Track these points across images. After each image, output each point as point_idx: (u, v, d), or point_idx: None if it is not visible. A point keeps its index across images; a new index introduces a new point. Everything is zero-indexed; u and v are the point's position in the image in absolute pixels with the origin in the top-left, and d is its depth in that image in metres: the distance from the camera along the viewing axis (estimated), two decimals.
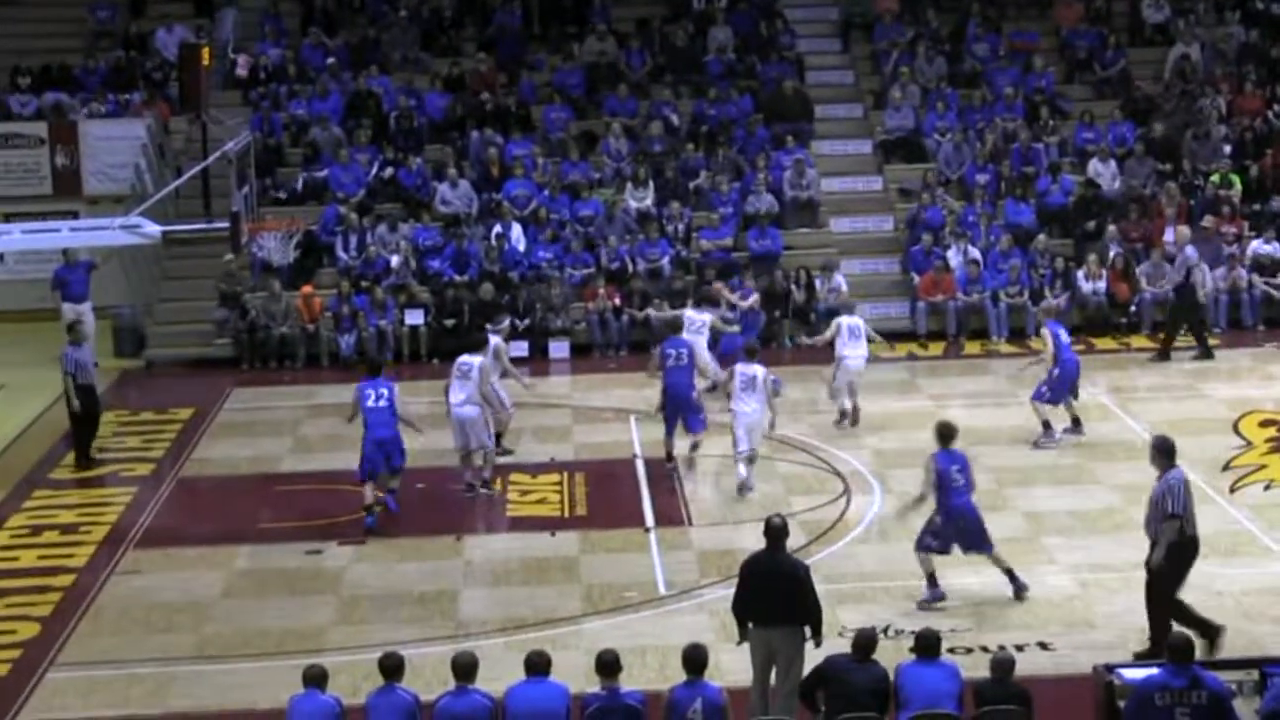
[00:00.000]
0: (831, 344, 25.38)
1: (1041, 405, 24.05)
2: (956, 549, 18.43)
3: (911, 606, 18.14)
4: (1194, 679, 12.84)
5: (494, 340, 23.99)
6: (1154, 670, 13.29)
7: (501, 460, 23.53)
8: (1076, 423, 24.34)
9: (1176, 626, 14.20)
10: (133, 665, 17.56)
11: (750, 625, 15.16)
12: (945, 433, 18.67)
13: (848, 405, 25.41)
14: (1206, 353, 29.01)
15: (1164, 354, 28.99)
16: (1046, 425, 23.98)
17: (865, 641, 14.07)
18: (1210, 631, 16.33)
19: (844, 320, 25.54)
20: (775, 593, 15.03)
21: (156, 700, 16.75)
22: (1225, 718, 12.87)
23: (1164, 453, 16.82)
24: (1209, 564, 19.26)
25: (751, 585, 15.18)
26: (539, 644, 17.07)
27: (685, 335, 24.87)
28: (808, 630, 15.08)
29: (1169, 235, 31.92)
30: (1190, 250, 29.49)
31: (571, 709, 13.47)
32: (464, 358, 22.69)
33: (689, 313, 26.54)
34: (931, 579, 18.35)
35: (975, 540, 18.38)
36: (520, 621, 18.12)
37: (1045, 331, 24.39)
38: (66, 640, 18.28)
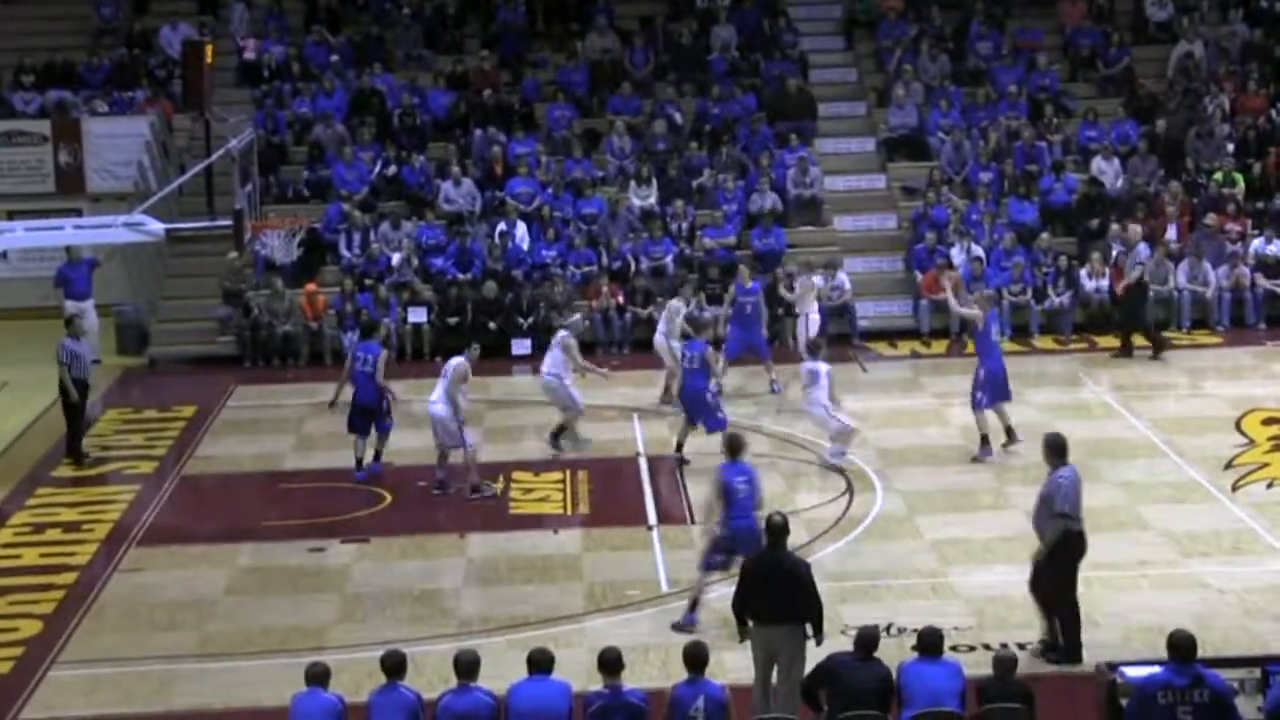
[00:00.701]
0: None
1: (983, 413, 23.09)
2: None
3: (915, 604, 18.11)
4: (1196, 677, 12.85)
5: (562, 335, 24.36)
6: (1156, 669, 13.28)
7: (508, 458, 23.63)
8: (1010, 433, 23.14)
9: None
10: (135, 663, 17.57)
11: (751, 623, 15.16)
12: (734, 445, 17.91)
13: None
14: (1126, 352, 29.09)
15: (1158, 351, 28.94)
16: (985, 439, 23.03)
17: (867, 639, 14.06)
18: (1075, 654, 16.51)
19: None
20: (776, 591, 15.03)
21: (159, 698, 16.76)
22: (1227, 716, 12.86)
23: (1054, 450, 16.76)
24: (1211, 562, 19.37)
25: (752, 583, 15.17)
26: (541, 642, 17.06)
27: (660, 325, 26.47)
28: (808, 628, 15.09)
29: (1171, 233, 31.95)
30: (1142, 249, 29.49)
31: (574, 707, 13.47)
32: (454, 358, 22.81)
33: (672, 302, 27.05)
34: (694, 605, 17.65)
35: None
36: (523, 620, 18.11)
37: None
38: (69, 638, 18.28)
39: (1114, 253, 31.21)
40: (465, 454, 22.45)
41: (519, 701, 13.40)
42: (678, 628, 17.44)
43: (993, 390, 23.13)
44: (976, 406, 23.21)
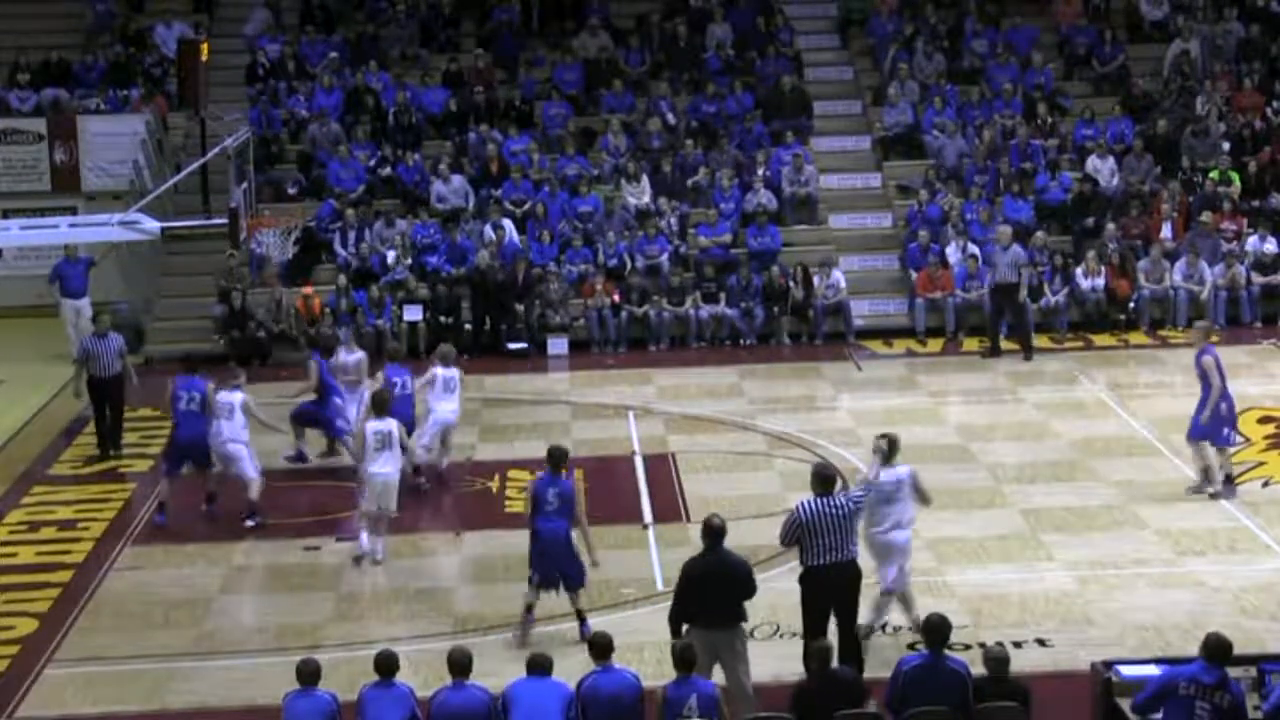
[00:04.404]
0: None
1: (1213, 447, 21.45)
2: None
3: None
4: (1223, 680, 12.82)
5: (241, 397, 22.18)
6: (1152, 668, 13.30)
7: (504, 456, 23.65)
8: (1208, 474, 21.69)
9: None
10: (131, 661, 17.60)
11: (690, 628, 14.99)
12: (555, 456, 17.87)
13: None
14: (994, 351, 29.30)
15: (994, 351, 29.28)
16: (1206, 471, 21.54)
17: (823, 655, 13.96)
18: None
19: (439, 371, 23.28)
20: (720, 592, 15.05)
21: (154, 696, 16.77)
22: None
23: (814, 479, 16.18)
24: (1207, 560, 19.39)
25: (703, 588, 15.06)
26: (536, 640, 17.13)
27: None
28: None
29: (1167, 232, 31.97)
30: (1018, 249, 29.54)
31: (572, 708, 13.47)
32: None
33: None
34: (529, 610, 17.66)
35: (573, 575, 17.60)
36: (518, 618, 18.09)
37: (1209, 360, 21.26)
38: (65, 636, 18.31)
39: (1110, 250, 31.25)
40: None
41: (516, 700, 13.40)
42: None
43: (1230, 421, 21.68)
44: (1224, 442, 21.59)
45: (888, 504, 16.89)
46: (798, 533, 15.71)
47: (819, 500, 15.78)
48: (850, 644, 15.80)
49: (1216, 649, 13.00)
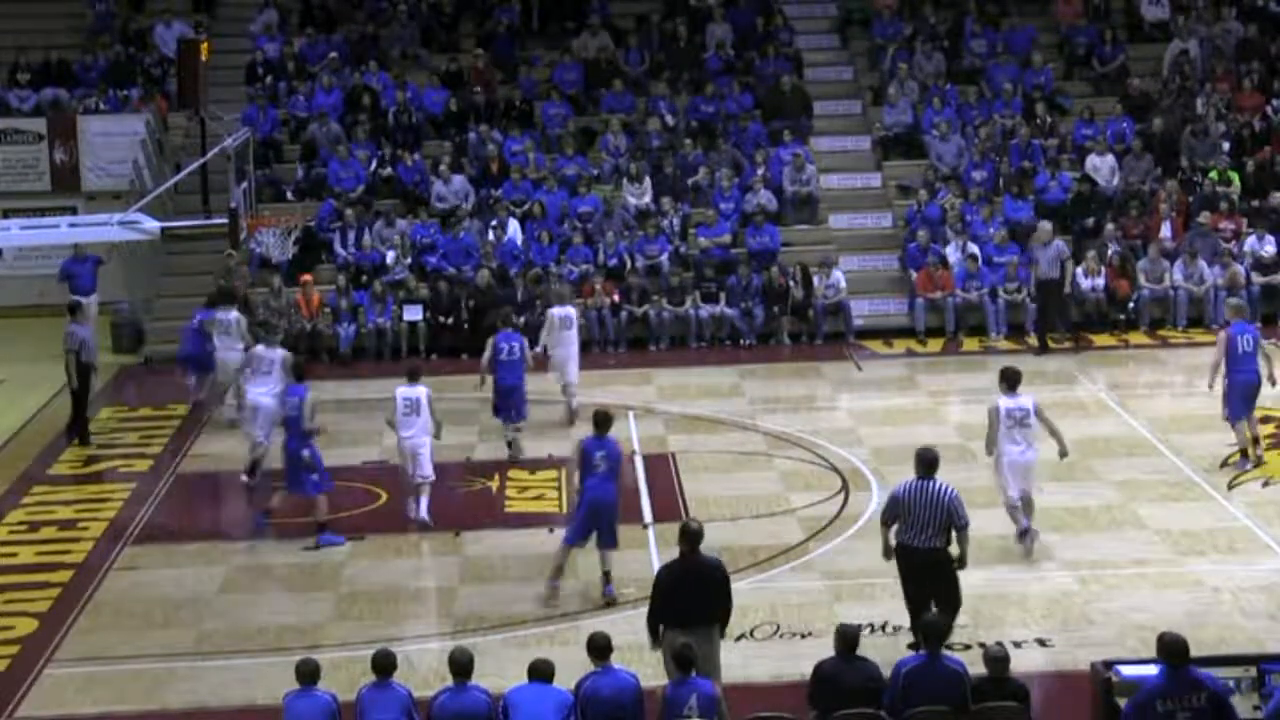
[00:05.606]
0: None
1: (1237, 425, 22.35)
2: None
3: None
4: (1193, 682, 12.67)
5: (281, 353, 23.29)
6: (1152, 669, 13.21)
7: (504, 455, 23.66)
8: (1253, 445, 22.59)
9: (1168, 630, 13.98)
10: (131, 661, 17.58)
11: (665, 629, 15.09)
12: (600, 420, 18.55)
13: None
14: (1043, 348, 29.46)
15: (1043, 348, 29.50)
16: (1244, 452, 22.49)
17: (847, 638, 13.99)
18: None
19: (555, 312, 25.29)
20: (692, 595, 15.13)
21: (154, 696, 16.76)
22: (1225, 717, 12.78)
23: (916, 461, 16.67)
24: (1207, 560, 19.38)
25: (681, 591, 15.16)
26: (536, 640, 17.15)
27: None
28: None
29: (1166, 232, 31.95)
30: (1059, 244, 29.63)
31: (571, 710, 13.47)
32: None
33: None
34: (559, 571, 18.60)
35: (611, 536, 18.44)
36: (518, 618, 18.12)
37: (1221, 334, 22.78)
38: (65, 636, 18.29)
39: (1110, 251, 31.25)
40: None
41: (515, 706, 13.38)
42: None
43: (1233, 400, 22.41)
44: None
45: (1020, 428, 19.27)
46: (894, 509, 16.43)
47: (918, 481, 16.43)
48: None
49: (1173, 650, 12.79)
